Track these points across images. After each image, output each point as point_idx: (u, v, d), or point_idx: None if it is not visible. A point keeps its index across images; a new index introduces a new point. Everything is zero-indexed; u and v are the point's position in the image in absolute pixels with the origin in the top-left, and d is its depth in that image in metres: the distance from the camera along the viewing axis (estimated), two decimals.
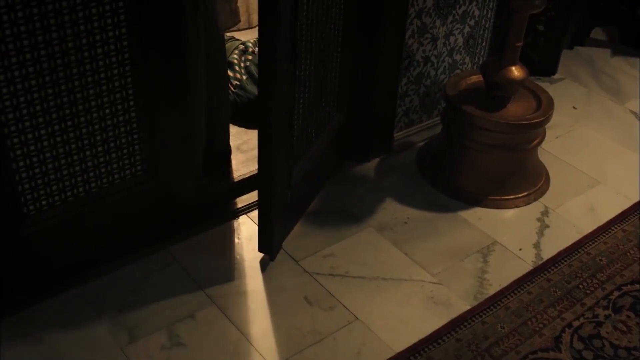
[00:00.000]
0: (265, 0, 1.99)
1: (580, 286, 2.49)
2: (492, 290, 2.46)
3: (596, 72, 3.83)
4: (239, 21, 2.44)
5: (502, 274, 2.52)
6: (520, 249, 2.63)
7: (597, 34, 4.15)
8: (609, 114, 3.49)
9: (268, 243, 2.45)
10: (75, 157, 2.18)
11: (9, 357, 2.11)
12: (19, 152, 2.06)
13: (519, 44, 2.69)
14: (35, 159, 2.10)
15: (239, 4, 2.46)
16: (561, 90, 3.60)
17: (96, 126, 2.18)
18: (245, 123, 3.11)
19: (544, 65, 3.71)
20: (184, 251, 2.51)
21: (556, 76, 3.75)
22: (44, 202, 2.20)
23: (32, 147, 2.08)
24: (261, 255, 2.52)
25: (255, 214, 2.67)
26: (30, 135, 2.06)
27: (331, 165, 2.87)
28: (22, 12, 1.87)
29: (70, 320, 2.24)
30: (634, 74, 3.83)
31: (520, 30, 2.67)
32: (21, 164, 2.09)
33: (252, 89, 3.12)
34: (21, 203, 2.15)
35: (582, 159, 3.15)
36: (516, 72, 2.73)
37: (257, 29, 3.64)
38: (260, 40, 2.07)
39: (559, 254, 2.62)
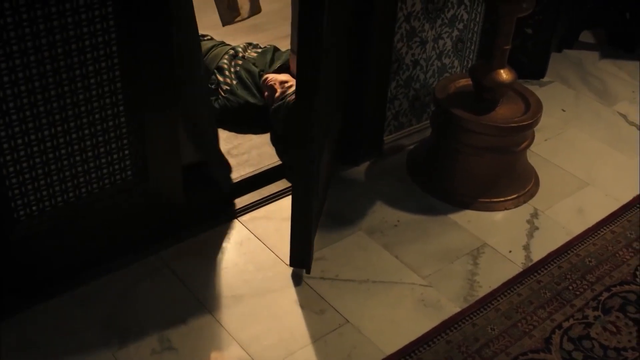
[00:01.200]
0: (305, 18, 2.00)
1: (570, 287, 2.51)
2: (482, 292, 2.47)
3: (585, 75, 3.85)
4: (239, 14, 2.39)
5: (492, 276, 2.53)
6: (510, 251, 2.65)
7: (586, 36, 4.18)
8: (598, 116, 3.51)
9: (305, 257, 2.44)
10: (65, 163, 2.19)
11: None
12: (9, 157, 2.06)
13: (507, 47, 2.71)
14: (25, 164, 2.10)
15: None
16: (550, 93, 3.62)
17: (86, 131, 2.18)
18: (235, 127, 3.11)
19: (532, 68, 3.73)
20: (174, 256, 2.51)
21: (545, 79, 3.77)
22: (34, 208, 2.20)
23: (22, 153, 2.08)
24: (251, 259, 2.52)
25: (246, 218, 2.69)
26: (20, 141, 2.06)
27: (334, 169, 2.87)
28: (12, 18, 1.88)
29: (61, 325, 2.24)
30: (622, 76, 3.86)
31: (508, 33, 2.68)
32: (11, 169, 2.09)
33: (242, 93, 3.13)
34: (11, 208, 2.15)
35: (571, 161, 3.17)
36: (505, 75, 2.74)
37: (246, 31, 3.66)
38: (301, 56, 2.06)
39: (549, 255, 2.63)
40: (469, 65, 3.22)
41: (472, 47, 3.19)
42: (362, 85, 2.87)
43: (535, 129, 2.88)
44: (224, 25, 2.36)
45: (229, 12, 2.31)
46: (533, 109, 2.83)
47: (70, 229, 2.30)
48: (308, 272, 2.46)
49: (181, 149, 2.43)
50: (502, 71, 2.74)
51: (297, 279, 2.46)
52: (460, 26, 3.07)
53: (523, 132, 2.81)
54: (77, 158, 2.21)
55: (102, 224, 2.37)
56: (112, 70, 2.14)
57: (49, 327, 2.23)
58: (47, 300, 2.31)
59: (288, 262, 2.49)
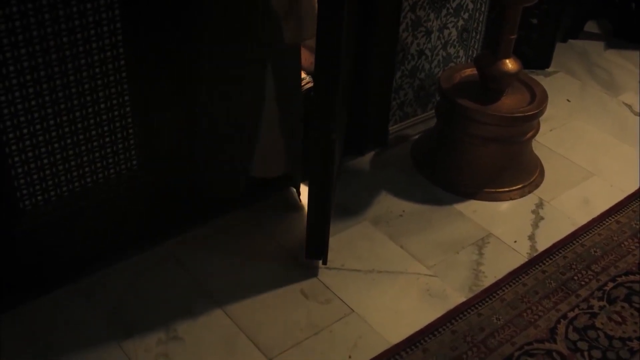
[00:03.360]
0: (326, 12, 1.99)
1: (575, 278, 2.50)
2: (487, 282, 2.47)
3: (590, 65, 3.84)
4: (303, 34, 2.34)
5: (497, 266, 2.53)
6: (515, 241, 2.64)
7: (591, 27, 4.17)
8: (603, 106, 3.50)
9: (321, 249, 2.44)
10: (70, 152, 2.19)
11: (7, 353, 2.12)
12: (14, 147, 2.06)
13: (512, 37, 2.70)
14: (30, 154, 2.10)
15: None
16: (555, 84, 3.61)
17: (91, 121, 2.18)
18: None
19: (538, 58, 3.72)
20: (180, 246, 2.52)
21: (550, 69, 3.76)
22: (39, 198, 2.20)
23: (27, 143, 2.08)
24: (256, 250, 2.52)
25: (251, 208, 2.68)
26: (25, 131, 2.06)
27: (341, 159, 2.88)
28: (17, 8, 1.87)
29: (67, 316, 2.24)
30: (628, 66, 3.84)
31: (514, 23, 2.67)
32: (17, 159, 2.09)
33: None
34: (17, 198, 2.15)
35: (576, 151, 3.16)
36: (510, 65, 2.74)
37: None
38: (320, 48, 2.05)
39: (554, 245, 2.63)
40: (474, 55, 3.21)
41: (478, 37, 3.18)
42: (368, 75, 2.86)
43: (540, 119, 2.88)
44: (287, 41, 2.32)
45: (294, 33, 2.26)
46: (539, 99, 2.83)
47: (75, 219, 2.30)
48: (325, 263, 2.46)
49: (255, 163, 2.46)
50: (507, 61, 2.73)
51: (302, 269, 2.46)
52: (466, 16, 3.06)
53: (528, 122, 2.80)
54: (83, 148, 2.21)
55: (107, 214, 2.37)
56: (118, 59, 2.13)
57: (55, 319, 2.23)
58: (53, 291, 2.31)
59: (294, 252, 2.49)
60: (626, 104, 3.52)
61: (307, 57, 2.73)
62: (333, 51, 2.03)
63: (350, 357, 2.18)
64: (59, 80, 2.04)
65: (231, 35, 2.26)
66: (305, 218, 2.42)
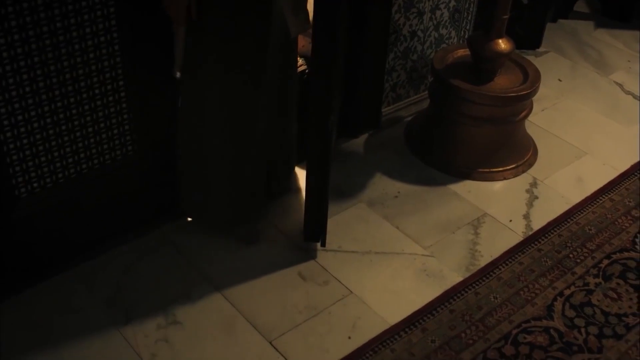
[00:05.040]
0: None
1: (571, 255, 2.52)
2: (483, 262, 2.48)
3: (580, 45, 3.85)
4: (307, 25, 2.34)
5: (493, 246, 2.55)
6: (511, 220, 2.66)
7: (580, 6, 4.17)
8: (594, 85, 3.51)
9: (318, 231, 2.44)
10: (65, 139, 2.17)
11: (6, 341, 2.11)
12: (9, 134, 2.05)
13: (505, 17, 2.70)
14: (25, 141, 2.09)
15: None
16: (546, 63, 3.62)
17: (86, 107, 2.17)
18: None
19: (528, 38, 3.72)
20: (176, 231, 2.51)
21: (541, 49, 3.76)
22: (35, 185, 2.19)
23: (22, 130, 2.07)
24: (251, 233, 2.52)
25: None
26: (20, 117, 2.04)
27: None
28: None
29: (65, 303, 2.24)
30: (618, 45, 3.86)
31: (506, 3, 2.67)
32: (12, 146, 2.07)
33: None
34: (12, 186, 2.14)
35: (569, 130, 3.18)
36: (503, 45, 2.74)
37: None
38: (317, 31, 2.04)
39: (549, 224, 2.65)
40: (466, 36, 3.21)
41: (469, 18, 3.18)
42: (361, 57, 2.85)
43: (533, 99, 2.88)
44: (293, 35, 2.30)
45: (299, 24, 2.25)
46: (531, 78, 2.83)
47: (71, 206, 2.30)
48: (323, 245, 2.47)
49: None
50: (500, 41, 2.74)
51: (300, 252, 2.47)
52: None
53: (522, 102, 2.81)
54: (78, 134, 2.20)
55: (103, 200, 2.37)
56: (112, 44, 2.12)
57: (53, 306, 2.23)
58: (50, 278, 2.31)
59: (291, 235, 2.49)
60: (617, 83, 3.54)
61: (300, 41, 2.72)
62: (330, 34, 2.03)
63: (350, 338, 2.19)
64: (52, 66, 2.03)
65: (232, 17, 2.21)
66: (302, 201, 2.42)
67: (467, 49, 2.88)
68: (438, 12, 3.02)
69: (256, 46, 2.13)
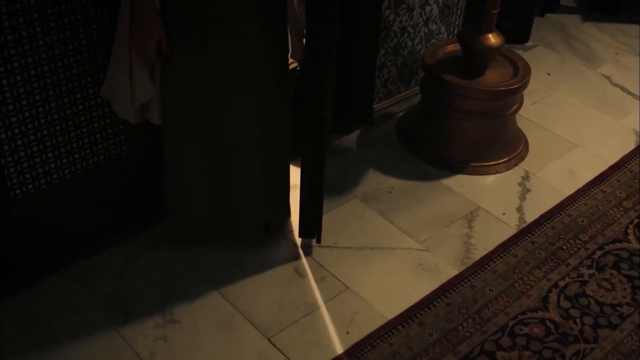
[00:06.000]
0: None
1: (564, 247, 2.54)
2: (478, 255, 2.50)
3: (568, 39, 3.87)
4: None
5: (488, 239, 2.56)
6: (504, 214, 2.68)
7: (567, 0, 4.20)
8: (583, 78, 3.54)
9: (315, 228, 2.44)
10: (60, 139, 2.17)
11: (5, 340, 2.11)
12: (3, 136, 2.04)
13: (495, 11, 2.71)
14: (20, 142, 2.09)
15: None
16: (535, 57, 3.64)
17: (80, 107, 2.17)
18: None
19: (517, 32, 3.73)
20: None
21: (529, 43, 3.79)
22: (30, 186, 2.18)
23: (16, 131, 2.06)
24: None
25: None
26: (14, 119, 2.04)
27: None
28: None
29: (63, 302, 2.24)
30: (605, 38, 3.89)
31: None
32: (6, 147, 2.07)
33: None
34: (7, 187, 2.13)
35: (559, 123, 3.20)
36: (493, 39, 2.75)
37: None
38: (311, 25, 2.05)
39: (542, 216, 2.67)
40: (456, 31, 3.22)
41: (458, 13, 3.20)
42: (352, 53, 2.86)
43: (523, 93, 2.90)
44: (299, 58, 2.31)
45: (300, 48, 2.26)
46: (522, 72, 2.85)
47: (67, 206, 2.29)
48: (319, 241, 2.47)
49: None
50: (490, 35, 2.75)
51: (296, 249, 2.47)
52: None
53: (512, 96, 2.83)
54: (72, 134, 2.19)
55: (98, 200, 2.36)
56: (105, 44, 2.12)
57: (51, 305, 2.23)
58: (47, 277, 2.30)
59: (286, 232, 2.50)
60: (605, 76, 3.56)
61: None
62: (324, 31, 2.03)
63: (347, 333, 2.20)
64: (46, 66, 2.02)
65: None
66: (297, 197, 2.43)
67: (457, 44, 2.89)
68: (428, 8, 3.03)
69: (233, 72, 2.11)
